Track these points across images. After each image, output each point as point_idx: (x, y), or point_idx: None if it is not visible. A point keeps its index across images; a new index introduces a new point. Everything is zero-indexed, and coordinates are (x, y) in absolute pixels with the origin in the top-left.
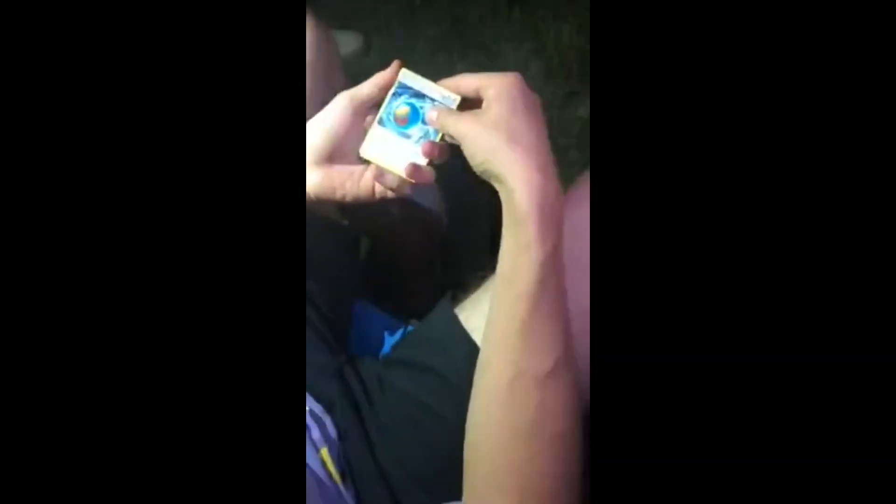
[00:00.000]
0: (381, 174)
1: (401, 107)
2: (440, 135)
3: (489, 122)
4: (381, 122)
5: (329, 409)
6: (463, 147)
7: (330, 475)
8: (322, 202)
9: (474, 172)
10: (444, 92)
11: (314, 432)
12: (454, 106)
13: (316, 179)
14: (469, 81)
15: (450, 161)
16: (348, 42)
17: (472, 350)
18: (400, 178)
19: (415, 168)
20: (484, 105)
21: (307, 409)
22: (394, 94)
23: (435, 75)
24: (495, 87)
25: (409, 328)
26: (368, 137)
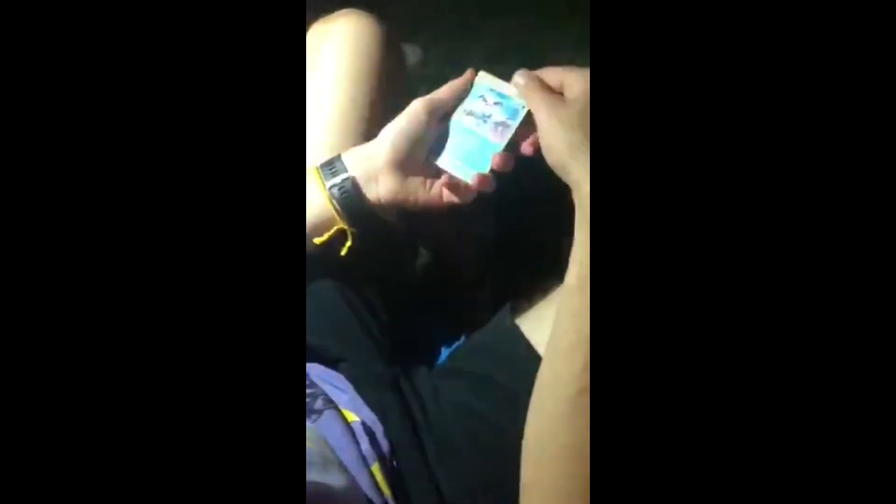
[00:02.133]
0: (449, 181)
1: (477, 102)
2: (504, 145)
3: (572, 118)
4: (453, 126)
5: (383, 418)
6: (540, 136)
7: (381, 492)
8: (391, 206)
9: (534, 182)
10: (518, 99)
11: (363, 445)
12: (522, 114)
13: (389, 185)
14: (553, 75)
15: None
16: (407, 55)
17: (534, 360)
18: (466, 185)
19: (482, 178)
20: (568, 101)
21: (359, 420)
22: (469, 96)
23: None
24: (581, 83)
25: (466, 339)
26: (443, 144)
